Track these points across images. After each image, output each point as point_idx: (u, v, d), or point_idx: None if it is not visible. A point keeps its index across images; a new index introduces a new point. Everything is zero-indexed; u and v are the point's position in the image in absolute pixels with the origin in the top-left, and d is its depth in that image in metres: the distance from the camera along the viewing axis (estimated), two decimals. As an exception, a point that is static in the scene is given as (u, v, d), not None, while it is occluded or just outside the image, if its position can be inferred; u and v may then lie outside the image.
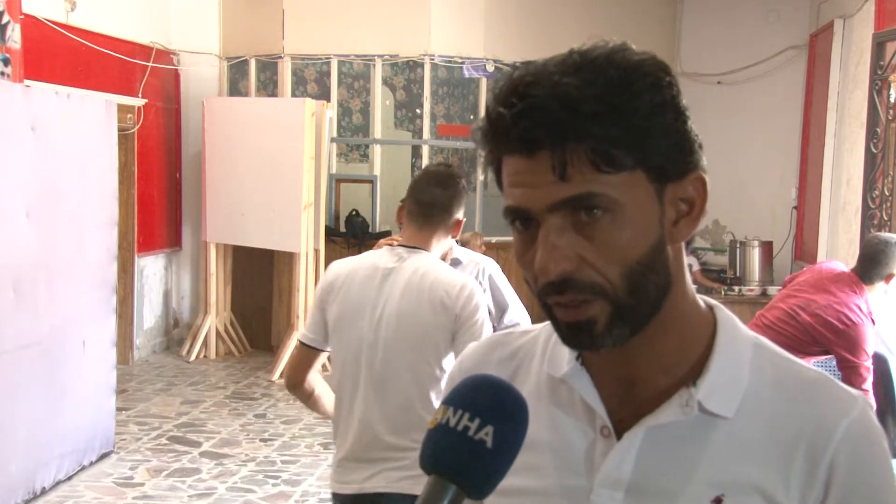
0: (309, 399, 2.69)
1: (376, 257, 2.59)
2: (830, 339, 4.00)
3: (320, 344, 2.62)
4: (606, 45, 0.89)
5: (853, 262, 4.35)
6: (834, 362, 4.09)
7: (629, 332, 0.90)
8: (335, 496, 2.58)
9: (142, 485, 5.13)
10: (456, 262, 3.54)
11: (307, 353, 2.64)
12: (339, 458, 2.57)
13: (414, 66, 8.37)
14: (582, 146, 0.85)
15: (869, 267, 4.09)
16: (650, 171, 0.88)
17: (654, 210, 0.89)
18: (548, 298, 0.89)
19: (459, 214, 2.65)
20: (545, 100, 0.85)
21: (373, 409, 2.49)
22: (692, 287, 0.97)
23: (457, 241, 3.33)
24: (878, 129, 5.83)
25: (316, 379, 2.67)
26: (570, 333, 0.90)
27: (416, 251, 2.55)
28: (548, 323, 1.04)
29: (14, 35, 5.62)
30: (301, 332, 2.72)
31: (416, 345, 2.47)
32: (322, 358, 2.66)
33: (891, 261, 4.05)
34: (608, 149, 0.85)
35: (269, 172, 7.56)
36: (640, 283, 0.88)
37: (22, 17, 5.74)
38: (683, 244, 0.95)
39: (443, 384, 2.34)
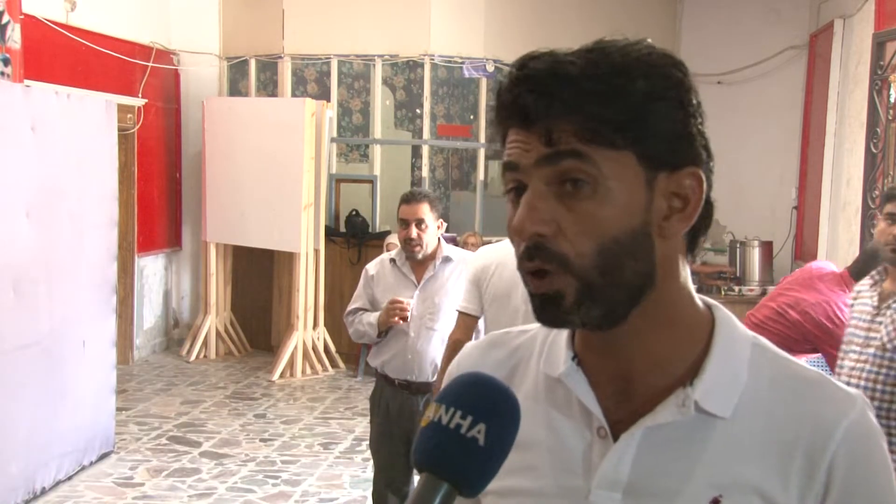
0: None
1: None
2: (819, 336, 4.01)
3: (477, 312, 3.28)
4: (624, 38, 0.91)
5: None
6: (822, 360, 4.09)
7: (600, 315, 0.90)
8: None
9: (142, 485, 5.13)
10: (447, 260, 3.71)
11: (467, 320, 3.31)
12: None
13: (414, 66, 8.37)
14: (571, 120, 0.86)
15: (869, 267, 4.09)
16: (640, 156, 0.88)
17: (640, 195, 0.89)
18: (522, 265, 0.91)
19: None
20: (540, 71, 0.88)
21: None
22: (690, 286, 0.97)
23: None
24: (878, 129, 5.83)
25: None
26: (541, 306, 0.91)
27: None
28: None
29: (14, 35, 5.62)
30: (460, 304, 3.36)
31: None
32: (478, 323, 3.31)
33: None
34: (597, 127, 0.86)
35: (269, 172, 7.56)
36: (612, 264, 0.88)
37: (22, 17, 5.74)
38: (685, 244, 0.94)
39: None
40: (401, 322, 3.68)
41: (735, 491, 0.90)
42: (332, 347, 7.96)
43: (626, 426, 0.93)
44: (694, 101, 0.91)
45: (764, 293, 7.63)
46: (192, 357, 8.10)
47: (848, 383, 2.77)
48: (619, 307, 0.90)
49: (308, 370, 7.69)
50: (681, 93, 0.90)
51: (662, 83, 0.88)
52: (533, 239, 0.88)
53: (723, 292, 7.78)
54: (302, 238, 7.48)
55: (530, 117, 0.88)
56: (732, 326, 0.97)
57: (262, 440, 6.00)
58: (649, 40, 0.92)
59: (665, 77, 0.89)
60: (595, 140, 0.86)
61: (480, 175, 8.49)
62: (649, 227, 0.90)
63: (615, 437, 0.93)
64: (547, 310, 0.90)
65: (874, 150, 5.86)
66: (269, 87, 8.61)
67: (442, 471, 0.79)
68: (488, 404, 0.82)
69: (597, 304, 0.89)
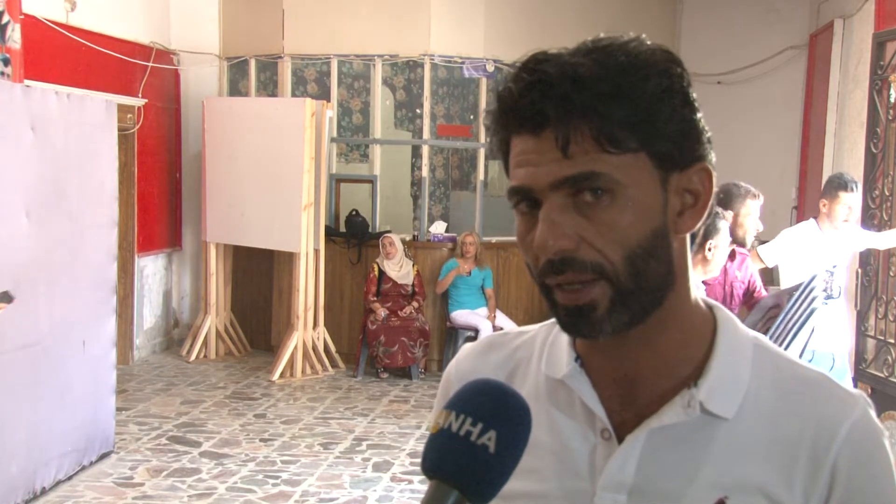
0: None
1: None
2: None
3: None
4: (620, 36, 0.90)
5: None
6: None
7: (628, 320, 0.89)
8: None
9: (142, 485, 5.12)
10: None
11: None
12: None
13: (414, 66, 8.37)
14: (587, 124, 0.85)
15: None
16: (654, 155, 0.88)
17: (657, 196, 0.88)
18: (547, 279, 0.88)
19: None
20: (554, 76, 0.85)
21: None
22: (695, 287, 0.96)
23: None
24: (878, 129, 5.82)
25: None
26: (569, 318, 0.89)
27: None
28: (545, 323, 1.04)
29: (14, 35, 5.62)
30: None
31: None
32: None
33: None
34: (613, 128, 0.85)
35: (269, 172, 7.56)
36: (641, 268, 0.87)
37: (22, 17, 5.74)
38: (689, 243, 0.94)
39: None
40: None
41: (740, 491, 0.90)
42: (332, 347, 7.96)
43: (630, 428, 0.93)
44: (693, 95, 0.91)
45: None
46: (192, 357, 8.10)
47: None
48: (645, 310, 0.90)
49: (308, 370, 7.69)
50: (684, 88, 0.90)
51: (668, 80, 0.88)
52: (558, 254, 0.87)
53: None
54: (302, 238, 7.48)
55: (546, 122, 0.86)
56: (734, 327, 0.97)
57: (262, 440, 6.00)
58: (643, 36, 0.91)
59: (668, 74, 0.88)
60: (611, 143, 0.85)
61: (480, 175, 8.49)
62: (667, 227, 0.90)
63: (619, 439, 0.93)
64: (579, 321, 0.89)
65: (874, 150, 5.85)
66: (269, 87, 8.61)
67: (451, 478, 0.78)
68: (499, 411, 0.81)
69: (627, 310, 0.88)
